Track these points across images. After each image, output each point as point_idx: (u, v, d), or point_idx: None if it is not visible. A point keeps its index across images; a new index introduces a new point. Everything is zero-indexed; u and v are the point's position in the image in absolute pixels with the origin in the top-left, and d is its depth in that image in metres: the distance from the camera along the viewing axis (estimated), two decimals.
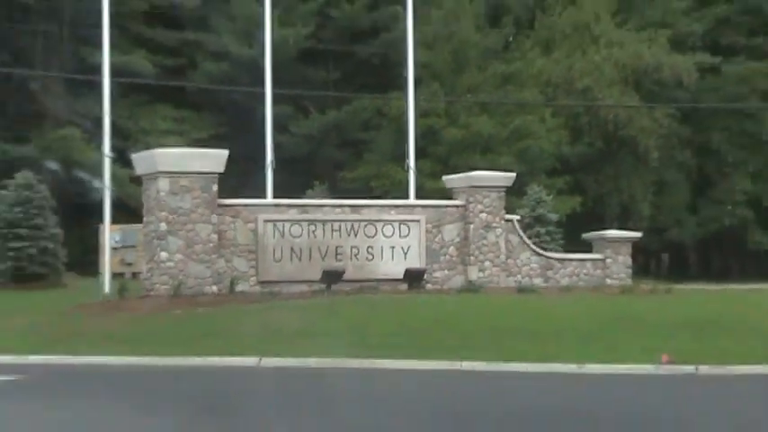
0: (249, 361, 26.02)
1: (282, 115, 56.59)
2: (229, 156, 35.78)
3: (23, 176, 42.54)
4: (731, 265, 72.43)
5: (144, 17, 61.72)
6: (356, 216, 37.48)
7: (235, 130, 55.97)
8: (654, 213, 64.89)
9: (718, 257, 75.76)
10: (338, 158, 62.52)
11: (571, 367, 24.51)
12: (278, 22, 59.04)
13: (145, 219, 36.26)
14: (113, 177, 40.65)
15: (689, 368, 24.41)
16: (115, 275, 40.33)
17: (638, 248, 45.10)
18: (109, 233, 40.64)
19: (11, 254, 40.80)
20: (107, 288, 37.68)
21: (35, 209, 41.37)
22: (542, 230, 43.96)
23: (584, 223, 50.37)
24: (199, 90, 62.23)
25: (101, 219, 40.19)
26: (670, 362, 24.78)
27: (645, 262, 62.63)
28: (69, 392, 22.21)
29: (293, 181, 47.54)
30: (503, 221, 39.34)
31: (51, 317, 33.29)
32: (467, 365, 24.82)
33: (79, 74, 56.36)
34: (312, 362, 25.54)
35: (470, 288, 37.29)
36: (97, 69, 41.54)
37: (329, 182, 53.46)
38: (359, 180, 56.92)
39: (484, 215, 38.81)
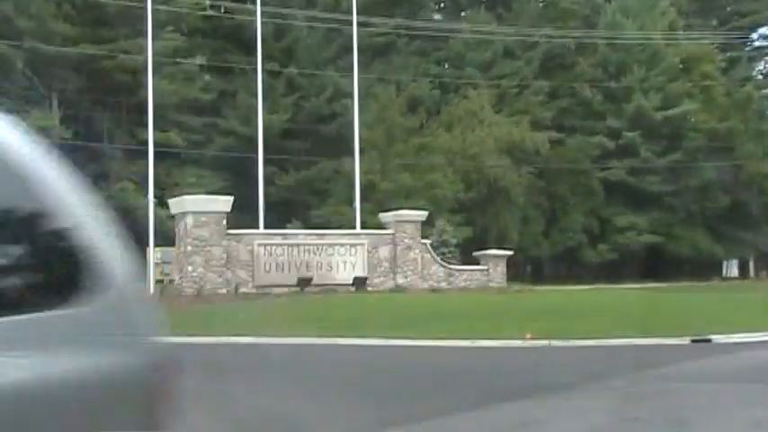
0: (248, 339, 25.82)
1: (271, 173, 56.39)
2: (234, 201, 35.60)
3: None
4: (572, 272, 72.63)
5: (176, 107, 61.14)
6: (320, 241, 37.39)
7: (239, 183, 55.57)
8: (520, 238, 64.89)
9: (563, 267, 75.98)
10: (309, 202, 62.07)
11: (466, 343, 24.44)
12: (267, 110, 59.13)
13: (177, 243, 36.04)
14: (156, 215, 40.49)
15: (544, 342, 24.40)
16: (157, 282, 39.91)
17: (510, 262, 45.11)
18: (152, 253, 40.35)
19: None
20: (151, 290, 37.27)
21: None
22: (446, 250, 43.88)
23: (475, 245, 50.39)
24: (213, 156, 61.84)
25: (147, 243, 39.88)
26: (532, 338, 24.75)
27: (515, 271, 62.54)
28: None
29: (278, 218, 47.17)
30: (419, 244, 39.34)
31: None
32: (395, 342, 24.72)
33: (133, 145, 56.04)
34: (290, 340, 25.36)
35: (398, 289, 37.23)
36: (145, 142, 41.36)
37: (303, 218, 53.09)
38: (323, 217, 56.45)
39: (406, 240, 38.80)
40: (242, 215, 42.51)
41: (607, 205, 70.48)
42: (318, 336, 25.32)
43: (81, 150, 61.07)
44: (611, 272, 68.78)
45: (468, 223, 60.25)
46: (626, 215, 69.78)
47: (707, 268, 71.53)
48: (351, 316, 29.02)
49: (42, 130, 56.66)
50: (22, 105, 56.91)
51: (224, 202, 35.49)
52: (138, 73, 52.97)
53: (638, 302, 35.91)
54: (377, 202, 53.90)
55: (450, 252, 44.21)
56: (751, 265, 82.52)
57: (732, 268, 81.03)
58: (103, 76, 59.92)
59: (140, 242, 44.50)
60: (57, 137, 57.66)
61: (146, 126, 40.64)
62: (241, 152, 56.29)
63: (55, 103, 58.96)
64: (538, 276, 67.21)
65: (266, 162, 50.12)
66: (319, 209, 59.60)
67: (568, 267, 74.70)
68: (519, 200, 64.50)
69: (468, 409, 12.10)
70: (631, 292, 44.93)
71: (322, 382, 16.50)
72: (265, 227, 39.03)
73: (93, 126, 61.78)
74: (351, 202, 45.70)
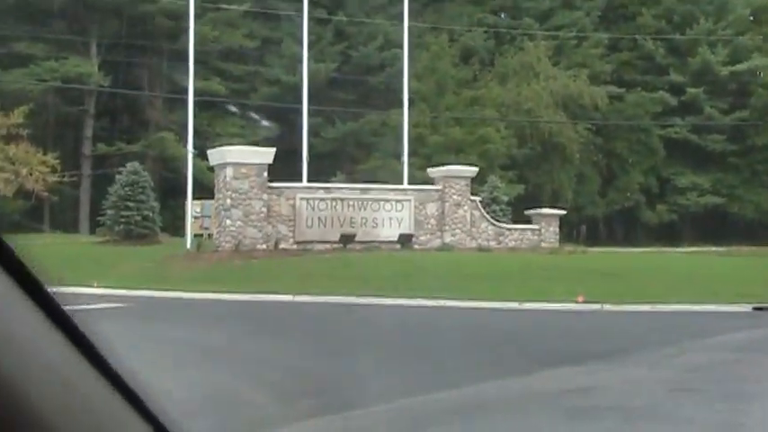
0: (286, 297, 25.79)
1: (316, 124, 56.28)
2: (277, 152, 35.53)
3: (132, 166, 42.21)
4: (629, 234, 72.03)
5: (219, 54, 61.24)
6: (365, 196, 37.16)
7: (283, 134, 55.67)
8: (575, 197, 64.42)
9: (619, 229, 75.35)
10: (355, 155, 61.99)
11: (514, 305, 24.25)
12: (314, 59, 58.85)
13: (216, 196, 36.06)
14: (196, 167, 40.70)
15: (596, 306, 24.17)
16: (196, 236, 40.00)
17: (563, 221, 44.74)
18: (191, 206, 40.46)
19: (122, 219, 40.45)
20: (188, 245, 37.38)
21: (139, 188, 40.98)
22: (497, 208, 43.42)
23: (527, 204, 49.97)
24: (257, 106, 61.96)
25: (187, 196, 40.09)
26: (584, 301, 24.52)
27: (569, 231, 62.10)
28: (160, 315, 22.04)
29: (323, 171, 47.20)
30: (468, 201, 39.01)
31: (150, 264, 33.08)
32: (440, 302, 24.58)
33: (174, 94, 56.09)
34: (330, 298, 25.30)
35: (445, 248, 36.95)
36: (186, 90, 41.39)
37: (348, 172, 53.10)
38: (369, 171, 56.16)
39: (455, 197, 38.46)
40: (285, 167, 42.45)
41: (667, 164, 69.65)
42: (360, 295, 25.23)
43: (120, 98, 61.68)
44: (670, 234, 68.10)
45: (521, 180, 59.88)
46: (687, 175, 68.88)
47: None
48: (395, 274, 28.85)
49: (80, 77, 57.19)
50: (59, 51, 57.31)
51: (265, 154, 35.32)
52: (180, 18, 52.77)
53: (697, 266, 35.49)
54: (425, 156, 53.65)
55: (501, 210, 43.81)
56: None
57: None
58: (144, 22, 60.03)
59: (180, 194, 44.84)
60: (95, 84, 58.03)
61: (187, 74, 40.52)
62: (285, 102, 56.09)
63: (93, 49, 59.14)
64: (593, 237, 66.71)
65: (311, 113, 49.92)
66: (366, 163, 59.46)
67: (625, 228, 74.11)
68: (574, 157, 63.90)
69: (513, 375, 11.90)
70: (690, 255, 44.41)
71: (360, 343, 16.36)
72: (309, 180, 38.87)
73: (132, 73, 62.05)
74: (398, 156, 45.33)
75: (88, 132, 59.14)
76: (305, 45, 41.98)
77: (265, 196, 34.82)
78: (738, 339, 17.20)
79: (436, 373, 12.46)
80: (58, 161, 51.08)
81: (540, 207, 46.29)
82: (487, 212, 41.15)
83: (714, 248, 54.45)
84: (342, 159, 59.45)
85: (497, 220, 41.32)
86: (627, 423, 8.94)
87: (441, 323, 20.71)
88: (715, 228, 69.87)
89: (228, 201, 34.46)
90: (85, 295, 26.34)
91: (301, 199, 35.85)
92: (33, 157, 49.86)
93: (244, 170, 34.58)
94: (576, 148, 63.78)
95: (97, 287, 28.20)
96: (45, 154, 50.94)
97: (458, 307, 23.88)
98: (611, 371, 12.56)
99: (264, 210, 34.76)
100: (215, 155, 36.17)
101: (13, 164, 49.25)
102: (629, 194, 69.26)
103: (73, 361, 1.49)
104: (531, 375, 11.90)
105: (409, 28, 44.32)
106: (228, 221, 34.51)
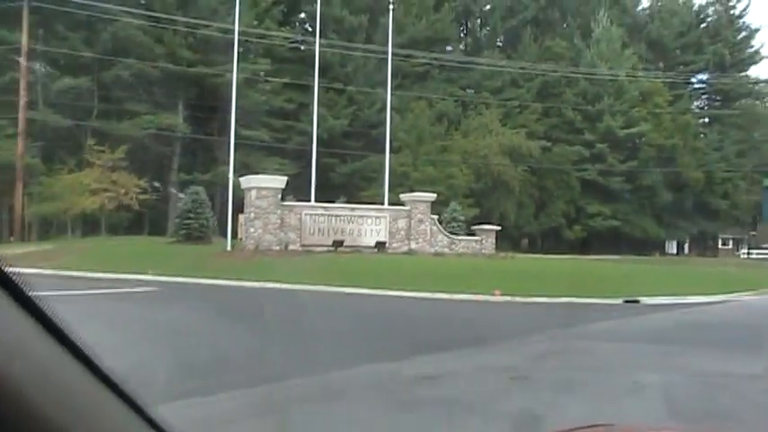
0: (290, 286, 23.72)
1: (332, 164, 54.97)
2: (300, 182, 33.73)
3: (193, 188, 40.33)
4: (555, 246, 69.42)
5: (266, 113, 59.34)
6: (352, 213, 35.14)
7: (307, 170, 53.60)
8: (516, 219, 62.23)
9: (549, 242, 72.58)
10: (360, 185, 59.71)
11: (445, 296, 22.13)
12: (332, 117, 57.09)
13: (245, 210, 34.13)
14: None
15: (509, 298, 22.07)
16: (241, 239, 37.79)
17: (509, 236, 42.55)
18: (232, 217, 38.22)
19: (185, 225, 38.56)
20: (228, 246, 35.35)
21: (198, 203, 39.04)
22: (456, 225, 41.32)
23: (481, 222, 47.44)
24: (291, 149, 59.72)
25: (239, 211, 38.09)
26: (500, 294, 22.44)
27: (514, 244, 59.72)
28: (180, 297, 20.03)
29: (335, 196, 45.01)
30: (429, 219, 36.93)
31: (194, 259, 31.11)
32: (387, 292, 22.50)
33: (235, 140, 54.06)
34: (320, 288, 23.26)
35: (410, 253, 34.89)
36: (245, 137, 39.90)
37: (356, 198, 50.90)
38: (370, 197, 53.69)
39: (419, 215, 36.40)
40: (306, 192, 40.54)
41: (582, 197, 67.56)
42: (340, 285, 23.20)
43: (198, 142, 59.75)
44: (583, 247, 65.88)
45: (477, 206, 57.62)
46: (595, 205, 66.95)
47: (653, 247, 68.37)
48: (369, 271, 26.83)
49: (169, 127, 55.34)
50: (153, 108, 55.43)
51: (279, 181, 33.51)
52: (239, 87, 50.92)
53: (594, 270, 33.49)
54: (408, 187, 51.41)
55: (458, 226, 41.73)
56: (686, 245, 79.84)
57: (672, 247, 77.55)
58: (214, 89, 58.08)
59: (236, 210, 42.96)
60: (180, 132, 56.20)
61: (247, 126, 38.87)
62: (311, 147, 54.08)
63: (180, 107, 57.28)
64: (532, 248, 64.48)
65: (329, 155, 48.04)
66: (367, 191, 57.32)
67: (552, 242, 71.59)
68: (516, 190, 61.83)
69: (387, 360, 9.77)
70: (592, 262, 42.29)
71: (287, 322, 14.28)
72: (323, 202, 36.93)
73: (207, 125, 60.07)
74: (391, 187, 43.35)
75: (174, 165, 57.31)
76: (315, 107, 40.38)
77: (279, 211, 32.86)
78: (598, 328, 15.03)
79: (321, 352, 10.27)
80: (147, 185, 49.33)
81: (487, 225, 44.07)
82: (448, 228, 39.10)
83: (612, 257, 52.34)
84: (351, 189, 57.21)
85: (455, 234, 39.21)
86: (445, 415, 6.81)
87: (371, 310, 18.58)
88: (614, 243, 67.63)
89: (252, 214, 32.53)
90: (138, 280, 24.48)
91: (306, 214, 33.83)
92: (130, 182, 48.08)
93: (264, 192, 32.67)
94: (516, 184, 61.70)
95: (151, 275, 26.31)
96: (139, 179, 49.21)
97: (399, 296, 21.83)
98: (471, 358, 10.40)
99: (278, 221, 32.79)
100: (244, 181, 34.25)
101: (116, 186, 47.54)
102: (554, 217, 66.99)
103: (68, 365, 1.05)
104: (403, 360, 9.76)
105: (398, 96, 42.90)
106: (252, 229, 32.57)
